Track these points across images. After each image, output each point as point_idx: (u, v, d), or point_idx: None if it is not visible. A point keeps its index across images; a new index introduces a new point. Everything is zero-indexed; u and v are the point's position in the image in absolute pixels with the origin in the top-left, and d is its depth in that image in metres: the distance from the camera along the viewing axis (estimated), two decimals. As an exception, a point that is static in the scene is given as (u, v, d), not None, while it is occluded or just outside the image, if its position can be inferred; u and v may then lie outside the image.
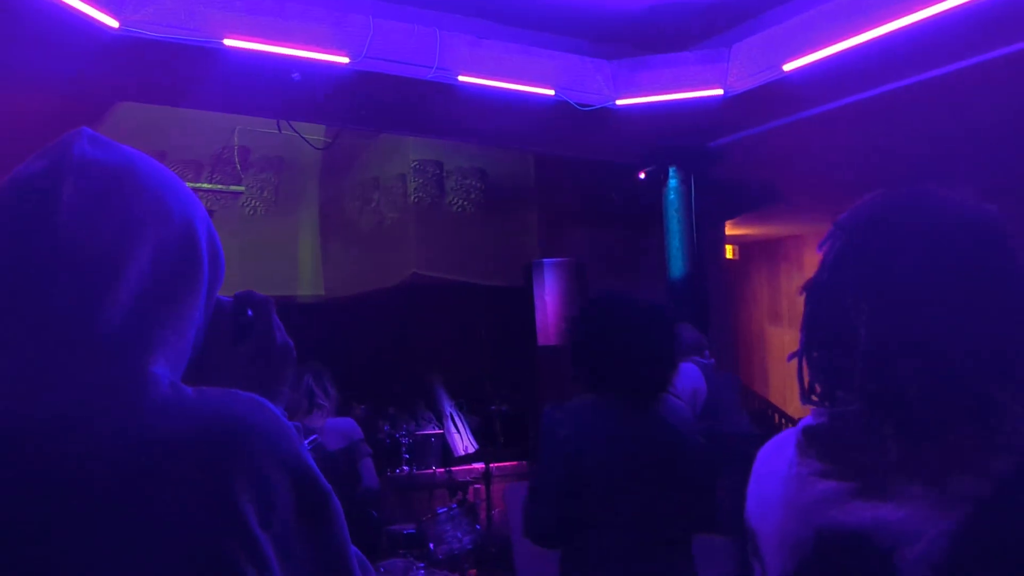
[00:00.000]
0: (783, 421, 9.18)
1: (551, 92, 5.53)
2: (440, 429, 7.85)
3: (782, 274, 11.44)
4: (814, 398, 1.08)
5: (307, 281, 8.29)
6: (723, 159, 6.76)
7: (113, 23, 4.33)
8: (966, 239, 1.00)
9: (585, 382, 2.47)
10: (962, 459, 0.91)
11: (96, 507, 0.73)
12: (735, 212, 8.98)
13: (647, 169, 6.81)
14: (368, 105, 5.49)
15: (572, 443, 2.32)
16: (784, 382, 11.13)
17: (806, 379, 1.11)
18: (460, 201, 8.14)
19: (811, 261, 11.02)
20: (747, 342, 11.49)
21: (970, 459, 0.91)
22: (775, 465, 1.09)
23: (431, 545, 5.31)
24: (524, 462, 7.63)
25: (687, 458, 2.43)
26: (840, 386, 1.03)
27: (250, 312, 1.01)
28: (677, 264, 6.71)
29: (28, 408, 0.75)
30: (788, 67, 5.26)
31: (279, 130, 6.05)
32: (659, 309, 2.55)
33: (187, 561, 0.73)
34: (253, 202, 7.92)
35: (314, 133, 6.80)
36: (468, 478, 6.57)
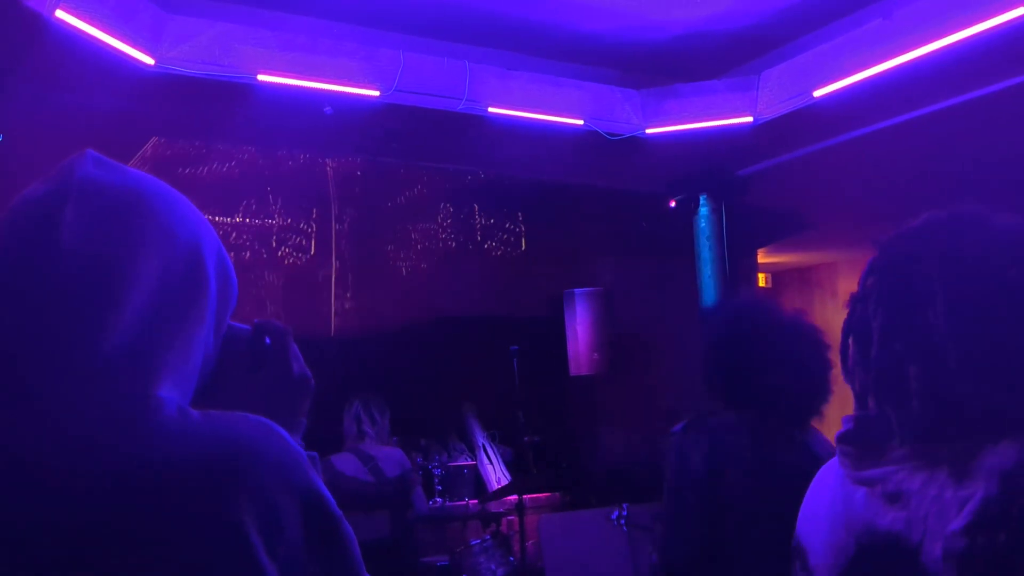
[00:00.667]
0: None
1: (580, 122, 5.56)
2: (473, 460, 7.83)
3: (815, 301, 11.32)
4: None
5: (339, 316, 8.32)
6: (754, 186, 6.74)
7: (149, 60, 4.42)
8: (1005, 252, 1.03)
9: (724, 396, 2.23)
10: (971, 459, 0.93)
11: (101, 533, 0.71)
12: (767, 240, 8.93)
13: (677, 198, 6.80)
14: (399, 138, 5.55)
15: (708, 467, 2.10)
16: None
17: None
18: (493, 243, 8.16)
19: (845, 288, 10.89)
20: (781, 371, 11.37)
21: (979, 459, 0.93)
22: (826, 481, 1.13)
23: (464, 577, 5.28)
24: (557, 493, 7.58)
25: None
26: (869, 390, 1.06)
27: (268, 340, 1.01)
28: (709, 293, 6.68)
29: (32, 434, 0.74)
30: (818, 93, 5.25)
31: (309, 162, 6.12)
32: (815, 327, 2.25)
33: None
34: (283, 237, 7.99)
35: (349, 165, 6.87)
36: (501, 509, 6.53)
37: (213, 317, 0.91)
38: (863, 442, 1.03)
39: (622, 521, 4.44)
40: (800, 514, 1.17)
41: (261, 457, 0.78)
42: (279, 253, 7.78)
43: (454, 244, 8.05)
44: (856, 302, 1.14)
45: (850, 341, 1.14)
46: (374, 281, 8.17)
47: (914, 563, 0.92)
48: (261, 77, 4.72)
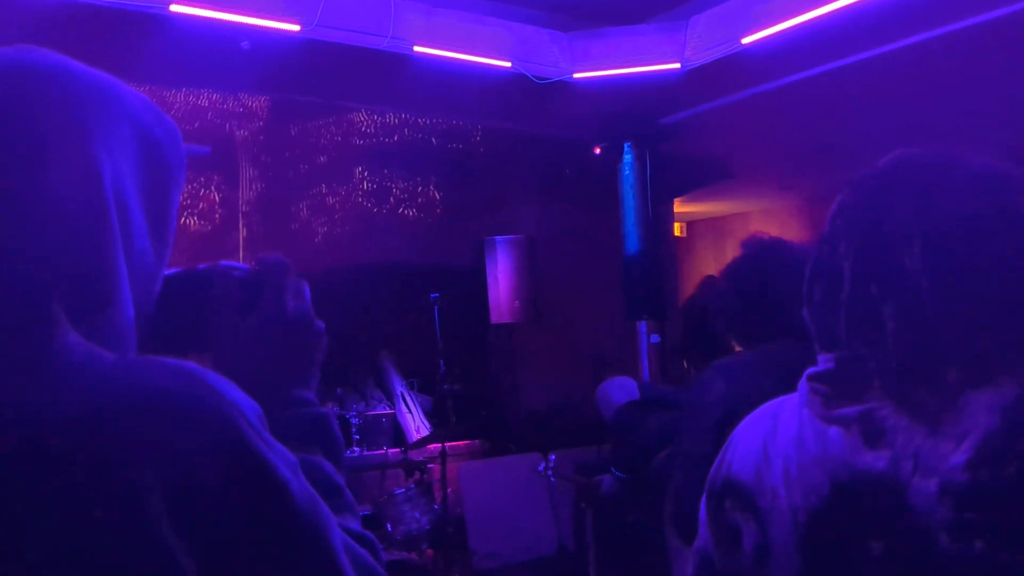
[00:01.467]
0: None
1: (508, 64, 5.43)
2: (391, 409, 7.75)
3: (728, 252, 11.51)
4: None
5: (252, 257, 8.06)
6: (678, 135, 6.74)
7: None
8: (981, 190, 1.01)
9: (748, 332, 2.19)
10: (958, 397, 0.92)
11: None
12: (685, 189, 8.99)
13: (602, 144, 6.74)
14: (320, 76, 5.32)
15: (724, 406, 1.99)
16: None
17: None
18: (414, 189, 8.00)
19: (757, 238, 11.12)
20: (694, 319, 11.56)
21: (967, 396, 0.92)
22: (778, 419, 1.10)
23: (389, 526, 5.21)
24: (478, 441, 7.58)
25: None
26: (841, 332, 1.03)
27: (260, 279, 0.87)
28: (632, 241, 6.67)
29: None
30: (746, 40, 5.23)
31: (220, 105, 5.85)
32: None
33: (80, 564, 0.58)
34: (191, 177, 7.66)
35: (258, 110, 6.60)
36: (421, 458, 6.48)
37: (138, 221, 0.74)
38: (839, 381, 1.00)
39: (549, 472, 4.42)
40: (731, 453, 1.14)
41: (181, 411, 0.63)
42: (182, 221, 7.46)
43: (373, 193, 7.85)
44: (824, 243, 1.10)
45: (815, 283, 1.10)
46: (287, 238, 7.93)
47: (900, 500, 0.91)
48: (174, 8, 4.44)
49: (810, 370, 1.06)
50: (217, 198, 7.57)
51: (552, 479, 4.48)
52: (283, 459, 0.67)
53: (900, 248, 0.99)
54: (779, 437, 1.07)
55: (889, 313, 0.97)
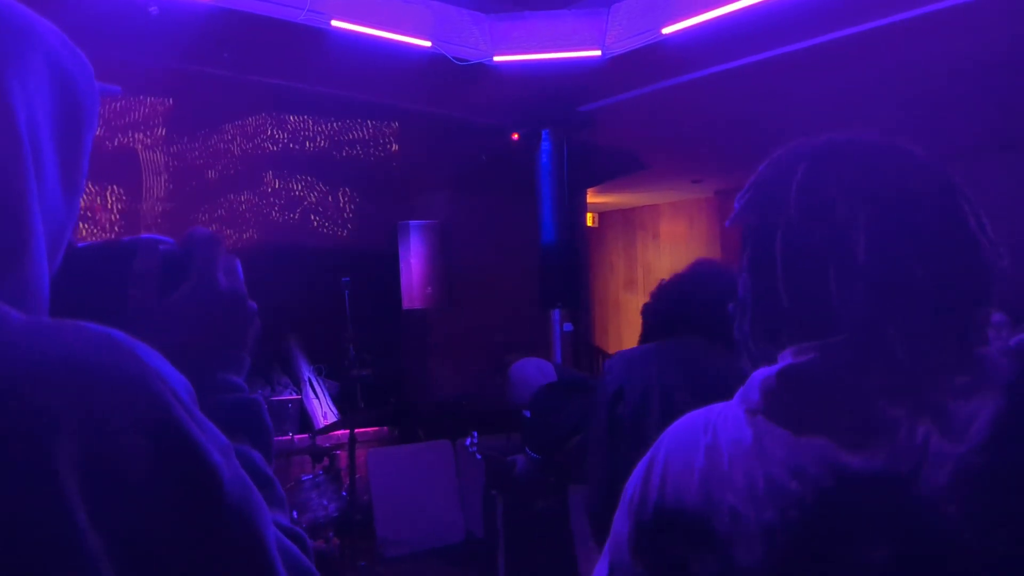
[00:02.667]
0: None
1: (428, 44, 5.32)
2: (298, 395, 7.59)
3: (638, 242, 11.64)
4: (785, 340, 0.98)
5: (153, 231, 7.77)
6: (595, 123, 6.74)
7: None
8: (920, 174, 0.99)
9: (674, 325, 2.42)
10: (947, 383, 0.88)
11: None
12: (599, 179, 9.04)
13: (520, 131, 6.71)
14: (231, 47, 5.12)
15: (615, 384, 2.27)
16: (638, 349, 11.38)
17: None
18: (325, 161, 7.82)
19: (667, 231, 11.27)
20: (603, 309, 11.66)
21: (955, 381, 0.88)
22: (713, 428, 0.98)
23: (295, 513, 5.08)
24: (387, 427, 7.48)
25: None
26: (819, 321, 0.95)
27: (188, 253, 0.80)
28: (548, 230, 6.66)
29: None
30: (667, 30, 5.25)
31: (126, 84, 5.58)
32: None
33: None
34: (97, 151, 7.34)
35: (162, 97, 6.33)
36: (328, 444, 6.36)
37: (50, 166, 0.66)
38: (825, 372, 0.92)
39: (474, 448, 4.38)
40: (660, 478, 0.99)
41: (100, 380, 0.55)
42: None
43: (285, 164, 7.65)
44: (754, 231, 1.06)
45: (746, 277, 1.05)
46: (197, 206, 7.67)
47: (906, 497, 0.85)
48: (77, -34, 4.21)
49: (768, 369, 0.96)
50: (117, 210, 7.27)
51: (478, 455, 4.44)
52: (214, 441, 0.59)
53: (845, 234, 0.94)
54: (726, 450, 0.95)
55: (851, 306, 0.93)
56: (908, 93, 5.98)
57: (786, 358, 0.95)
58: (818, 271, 0.95)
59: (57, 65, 0.68)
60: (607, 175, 8.86)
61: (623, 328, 11.51)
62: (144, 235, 0.80)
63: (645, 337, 2.54)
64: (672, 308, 2.46)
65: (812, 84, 5.80)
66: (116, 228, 7.29)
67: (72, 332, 0.57)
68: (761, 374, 0.97)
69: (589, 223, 10.97)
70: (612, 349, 11.24)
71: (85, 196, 6.74)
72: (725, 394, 1.02)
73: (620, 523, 1.04)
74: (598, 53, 5.61)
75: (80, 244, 0.79)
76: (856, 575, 0.86)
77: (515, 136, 6.78)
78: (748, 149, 8.00)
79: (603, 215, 11.89)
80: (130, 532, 0.53)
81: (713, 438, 0.97)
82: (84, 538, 0.50)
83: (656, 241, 11.44)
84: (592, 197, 10.20)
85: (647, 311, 2.57)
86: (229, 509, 0.58)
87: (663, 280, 2.60)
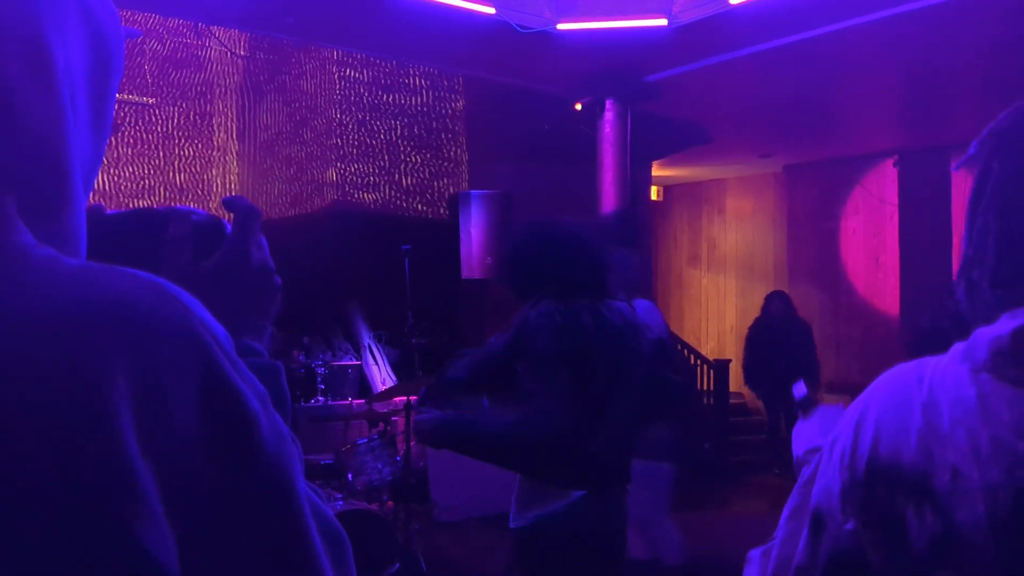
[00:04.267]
0: (698, 361, 9.27)
1: (492, 11, 5.29)
2: (358, 360, 7.69)
3: (704, 217, 11.48)
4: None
5: (220, 203, 7.93)
6: (661, 94, 6.64)
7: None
8: None
9: (546, 290, 2.56)
10: None
11: None
12: (665, 152, 8.91)
13: (583, 101, 6.64)
14: (296, 13, 5.16)
15: (582, 340, 2.42)
16: (699, 324, 11.26)
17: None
18: (387, 128, 7.85)
19: (733, 205, 11.09)
20: (665, 284, 11.55)
21: None
22: (929, 385, 0.97)
23: (349, 476, 5.16)
24: (443, 396, 7.52)
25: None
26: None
27: (227, 224, 0.83)
28: (609, 201, 6.60)
29: None
30: (735, 0, 5.12)
31: (196, 38, 5.67)
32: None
33: (40, 478, 0.52)
34: (167, 116, 7.48)
35: (236, 43, 6.42)
36: (386, 410, 6.43)
37: (83, 111, 0.67)
38: None
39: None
40: (874, 430, 0.98)
41: (149, 322, 0.57)
42: (152, 133, 7.30)
43: (350, 132, 7.71)
44: (998, 175, 0.98)
45: (987, 223, 0.99)
46: (263, 169, 7.78)
47: None
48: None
49: (999, 328, 0.93)
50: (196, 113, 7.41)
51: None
52: (253, 388, 0.62)
53: None
54: (946, 410, 0.94)
55: None
56: (981, 66, 5.77)
57: (1018, 317, 0.93)
58: None
59: (89, 13, 0.69)
60: (672, 148, 8.73)
61: (685, 303, 11.40)
62: (177, 206, 0.84)
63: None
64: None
65: (887, 56, 5.62)
66: (196, 133, 7.45)
67: (122, 276, 0.59)
68: (990, 332, 0.94)
69: (653, 197, 10.85)
70: (673, 324, 11.14)
71: (152, 151, 6.90)
72: None
73: (829, 477, 1.03)
74: (664, 22, 5.51)
75: (114, 212, 0.82)
76: None
77: (578, 106, 6.71)
78: (818, 122, 7.84)
79: (668, 189, 11.74)
80: (173, 467, 0.55)
81: (930, 396, 0.96)
82: (137, 468, 0.53)
83: (722, 216, 11.27)
84: (657, 170, 10.07)
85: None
86: (265, 454, 0.60)
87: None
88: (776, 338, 8.46)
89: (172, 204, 0.85)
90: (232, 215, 0.84)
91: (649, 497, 4.05)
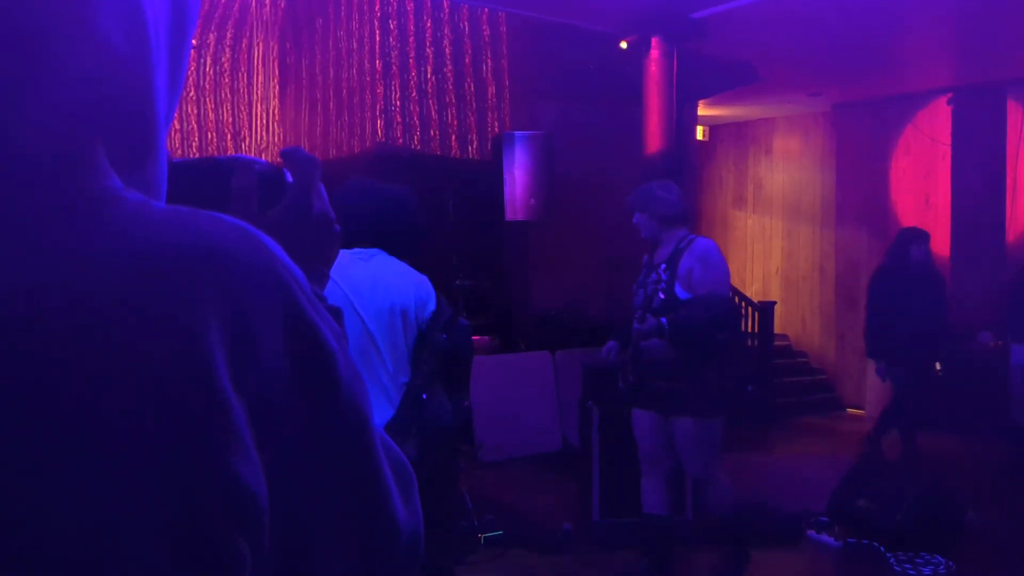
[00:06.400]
0: (743, 303, 9.22)
1: (535, -53, 5.20)
2: (403, 301, 7.74)
3: (750, 157, 11.31)
4: None
5: (263, 146, 7.96)
6: (707, 32, 6.50)
7: None
8: None
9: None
10: None
11: (40, 347, 0.54)
12: (711, 91, 8.75)
13: (629, 39, 6.52)
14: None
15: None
16: (744, 266, 11.17)
17: None
18: (428, 69, 7.79)
19: (781, 146, 10.90)
20: (710, 225, 11.44)
21: None
22: None
23: (396, 416, 5.24)
24: (487, 337, 7.58)
25: None
26: None
27: (287, 173, 0.85)
28: (654, 142, 6.52)
29: None
30: (787, -68, 4.98)
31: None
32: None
33: (136, 407, 0.54)
34: (207, 59, 7.50)
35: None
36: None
37: (164, 63, 0.68)
38: None
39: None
40: None
41: (238, 264, 0.60)
42: (192, 75, 7.32)
43: (391, 72, 7.67)
44: None
45: None
46: (304, 113, 7.79)
47: None
48: None
49: None
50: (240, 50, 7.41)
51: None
52: (330, 328, 0.66)
53: None
54: None
55: None
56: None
57: None
58: None
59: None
60: (719, 87, 8.57)
61: (730, 245, 11.29)
62: (240, 155, 0.86)
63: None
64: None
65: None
66: (242, 71, 7.48)
67: (209, 220, 0.62)
68: None
69: (699, 137, 10.69)
70: (718, 266, 11.06)
71: (193, 93, 6.92)
72: None
73: None
74: (712, -43, 5.38)
75: (179, 160, 0.84)
76: None
77: (624, 44, 6.60)
78: (869, 59, 7.67)
79: (714, 129, 11.56)
80: (264, 403, 0.59)
81: None
82: (231, 402, 0.56)
83: (769, 157, 11.09)
84: (703, 110, 9.91)
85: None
86: (343, 389, 0.64)
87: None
88: (912, 293, 6.37)
89: (215, 148, 0.86)
90: (291, 165, 0.86)
91: (703, 455, 4.03)
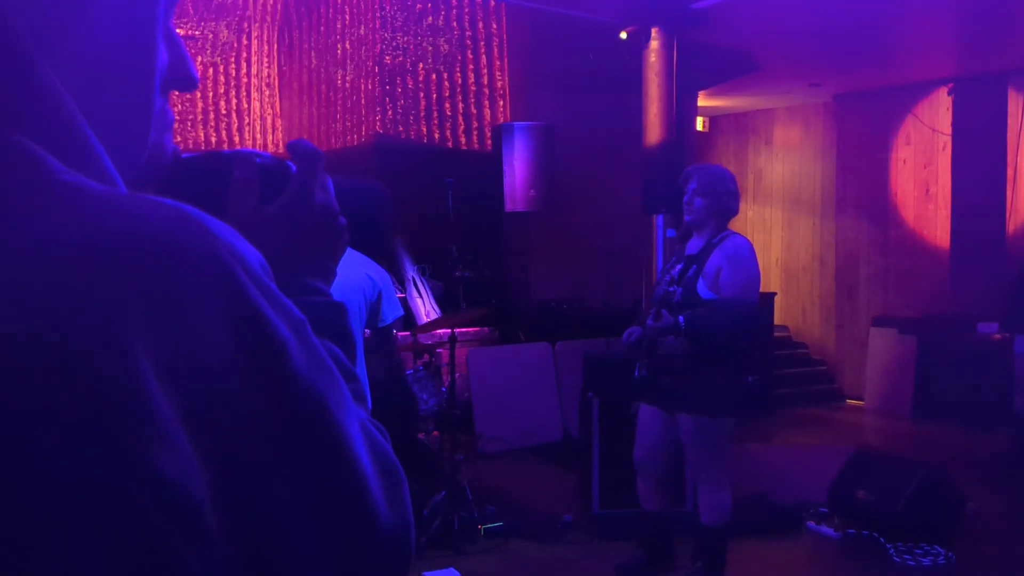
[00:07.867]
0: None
1: (535, -63, 5.18)
2: (402, 293, 7.75)
3: (750, 148, 11.29)
4: None
5: (263, 138, 7.95)
6: (708, 22, 6.48)
7: None
8: None
9: None
10: None
11: None
12: (711, 81, 8.73)
13: (629, 28, 6.50)
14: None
15: None
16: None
17: None
18: (428, 60, 7.78)
19: (781, 136, 10.88)
20: (710, 217, 11.42)
21: None
22: None
23: (396, 407, 5.24)
24: (486, 328, 7.58)
25: None
26: None
27: (291, 166, 0.84)
28: (654, 132, 6.51)
29: None
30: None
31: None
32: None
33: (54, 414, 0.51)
34: (204, 51, 7.48)
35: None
36: (431, 341, 6.50)
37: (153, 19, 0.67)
38: None
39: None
40: None
41: (169, 247, 0.56)
42: (199, 63, 7.29)
43: (390, 63, 7.65)
44: None
45: None
46: (304, 104, 7.77)
47: None
48: None
49: None
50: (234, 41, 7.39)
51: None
52: (286, 316, 0.61)
53: None
54: None
55: None
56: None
57: None
58: None
59: None
60: (719, 77, 8.55)
61: (730, 236, 11.28)
62: (242, 148, 0.86)
63: None
64: None
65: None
66: (224, 120, 7.46)
67: (145, 203, 0.58)
68: None
69: (699, 127, 10.67)
70: (718, 257, 11.05)
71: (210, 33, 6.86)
72: None
73: None
74: (713, -54, 5.36)
75: (186, 155, 0.84)
76: None
77: (623, 34, 6.58)
78: (870, 49, 7.66)
79: (714, 119, 11.53)
80: (202, 394, 0.54)
81: None
82: (152, 395, 0.52)
83: (769, 147, 11.07)
84: (703, 101, 9.88)
85: None
86: (299, 381, 0.59)
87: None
88: None
89: (215, 142, 0.85)
90: (295, 157, 0.85)
91: (705, 455, 3.94)
